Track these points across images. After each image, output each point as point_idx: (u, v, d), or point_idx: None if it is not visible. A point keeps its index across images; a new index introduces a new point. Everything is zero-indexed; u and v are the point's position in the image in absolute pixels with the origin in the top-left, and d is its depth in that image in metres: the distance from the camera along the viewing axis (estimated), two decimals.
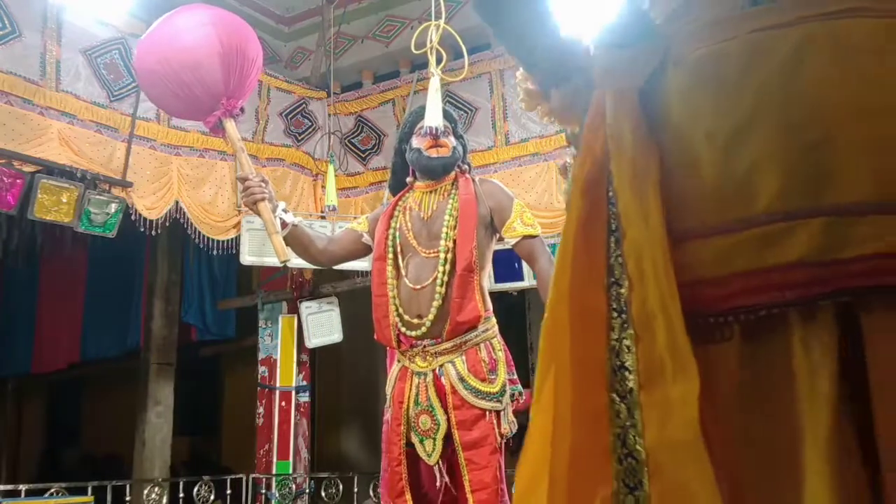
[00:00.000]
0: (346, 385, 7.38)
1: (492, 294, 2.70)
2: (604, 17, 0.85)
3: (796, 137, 0.72)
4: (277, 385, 6.05)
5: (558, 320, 0.83)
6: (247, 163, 2.52)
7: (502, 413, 2.45)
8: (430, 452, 2.46)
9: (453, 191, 2.64)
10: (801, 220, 0.72)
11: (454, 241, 2.53)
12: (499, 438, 2.43)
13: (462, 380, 2.44)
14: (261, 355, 6.19)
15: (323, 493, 5.70)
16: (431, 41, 2.50)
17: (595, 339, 0.80)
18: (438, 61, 3.04)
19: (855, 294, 0.72)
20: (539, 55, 0.98)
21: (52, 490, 4.84)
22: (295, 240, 2.65)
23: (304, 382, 6.17)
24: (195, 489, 5.54)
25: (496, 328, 2.60)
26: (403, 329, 2.54)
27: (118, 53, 5.01)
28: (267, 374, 6.13)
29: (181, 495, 5.49)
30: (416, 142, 2.68)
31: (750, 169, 0.74)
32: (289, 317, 6.14)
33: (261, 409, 6.07)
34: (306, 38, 6.52)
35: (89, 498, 4.93)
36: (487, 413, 2.43)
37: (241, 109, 2.58)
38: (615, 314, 0.79)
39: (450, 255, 2.53)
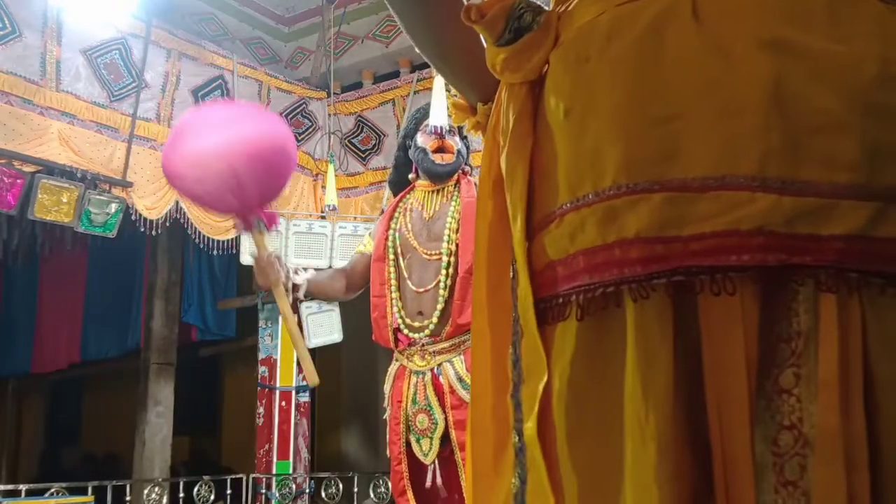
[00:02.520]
0: (346, 385, 7.39)
1: None
2: (479, 19, 0.81)
3: (646, 110, 0.70)
4: (277, 385, 6.06)
5: (479, 327, 0.84)
6: (262, 244, 2.44)
7: None
8: (426, 452, 2.47)
9: (456, 192, 2.64)
10: (643, 193, 0.68)
11: (456, 245, 2.53)
12: None
13: (460, 379, 2.44)
14: (261, 355, 6.19)
15: (323, 493, 5.71)
16: None
17: (506, 339, 0.81)
18: None
19: (691, 273, 0.68)
20: (461, 72, 0.98)
21: (53, 490, 4.84)
22: (313, 292, 2.66)
23: (304, 382, 6.17)
24: (195, 489, 5.54)
25: None
26: (404, 330, 2.54)
27: (118, 54, 5.01)
28: (267, 374, 6.13)
29: (181, 495, 5.49)
30: (421, 140, 2.67)
31: (599, 143, 0.71)
32: None
33: (261, 409, 6.07)
34: (306, 38, 6.53)
35: (89, 498, 4.93)
36: None
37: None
38: (514, 310, 0.79)
39: (452, 259, 2.52)
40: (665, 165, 0.69)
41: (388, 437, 2.60)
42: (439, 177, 2.63)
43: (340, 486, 5.69)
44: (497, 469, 0.80)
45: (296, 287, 2.52)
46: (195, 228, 5.31)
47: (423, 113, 2.73)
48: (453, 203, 2.60)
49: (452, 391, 2.43)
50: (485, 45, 0.82)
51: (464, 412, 2.42)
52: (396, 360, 2.62)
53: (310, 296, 2.62)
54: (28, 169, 4.54)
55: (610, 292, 0.71)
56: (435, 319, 2.48)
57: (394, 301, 2.57)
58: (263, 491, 5.84)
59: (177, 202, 5.20)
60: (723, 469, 0.68)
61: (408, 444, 2.53)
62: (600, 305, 0.72)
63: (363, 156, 6.14)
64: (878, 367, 0.65)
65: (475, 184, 2.67)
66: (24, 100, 4.55)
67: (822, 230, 0.65)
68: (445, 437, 2.44)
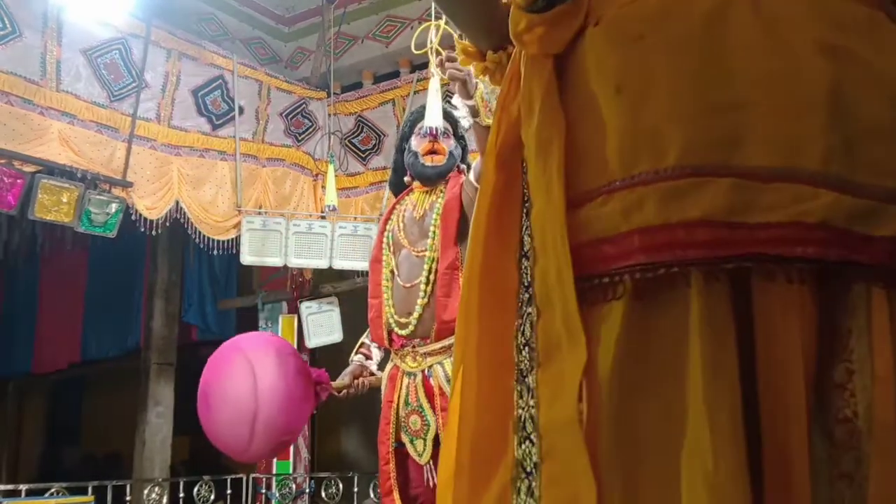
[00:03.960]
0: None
1: None
2: None
3: (709, 94, 0.70)
4: None
5: (469, 304, 0.81)
6: (342, 382, 2.74)
7: None
8: (420, 452, 2.47)
9: (444, 190, 2.65)
10: (709, 176, 0.68)
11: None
12: None
13: (450, 382, 2.44)
14: None
15: (323, 493, 5.71)
16: (431, 41, 2.50)
17: (505, 318, 0.77)
18: None
19: (756, 261, 0.68)
20: (476, 19, 0.97)
21: (53, 490, 4.84)
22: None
23: None
24: (195, 489, 5.54)
25: None
26: (395, 328, 2.55)
27: (118, 53, 5.01)
28: None
29: (181, 495, 5.49)
30: (414, 143, 2.69)
31: (658, 122, 0.71)
32: (289, 317, 6.15)
33: None
34: (306, 38, 6.53)
35: (90, 498, 4.93)
36: None
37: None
38: (522, 289, 0.76)
39: (436, 254, 2.53)
40: (730, 151, 0.68)
41: (378, 436, 2.62)
42: (429, 179, 2.66)
43: (340, 485, 5.69)
44: (486, 460, 0.76)
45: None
46: (195, 228, 5.31)
47: (418, 115, 2.74)
48: (439, 200, 2.62)
49: (442, 393, 2.43)
50: (511, 5, 0.80)
51: None
52: (391, 360, 2.64)
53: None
54: (28, 169, 4.54)
55: (674, 273, 0.69)
56: (416, 315, 2.49)
57: (386, 300, 2.58)
58: (263, 491, 5.84)
59: (177, 202, 5.20)
60: (778, 462, 0.67)
61: (399, 444, 2.53)
62: (660, 285, 0.70)
63: (363, 156, 6.14)
64: None
65: (464, 178, 2.67)
66: (25, 100, 4.55)
67: (875, 231, 0.67)
68: (437, 439, 2.44)
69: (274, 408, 2.37)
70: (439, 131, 2.64)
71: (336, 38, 6.10)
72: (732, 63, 0.70)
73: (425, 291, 2.50)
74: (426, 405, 2.46)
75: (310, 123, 6.17)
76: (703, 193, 0.68)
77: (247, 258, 5.51)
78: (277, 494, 5.78)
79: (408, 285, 2.56)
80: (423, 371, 2.50)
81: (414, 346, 2.52)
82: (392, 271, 2.63)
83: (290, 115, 6.05)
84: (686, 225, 0.68)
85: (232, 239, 5.49)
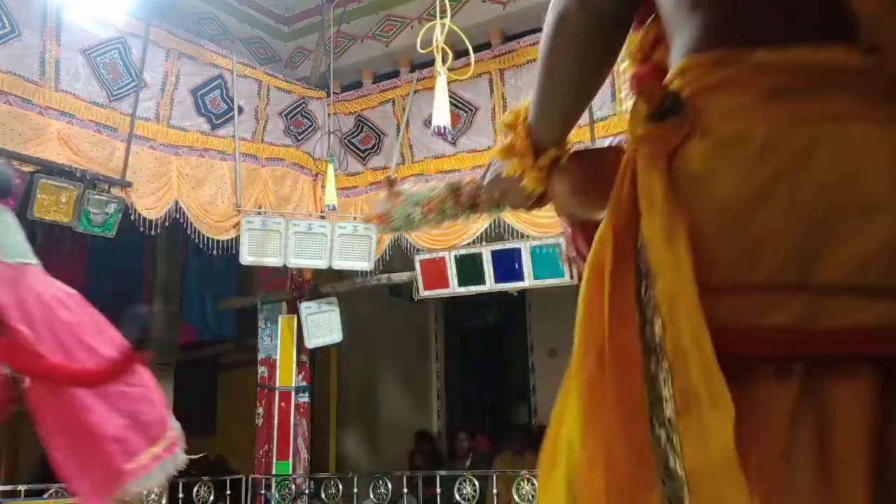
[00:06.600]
0: (345, 385, 7.37)
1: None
2: (637, 90, 0.94)
3: (798, 220, 0.82)
4: (277, 385, 6.05)
5: (591, 366, 0.89)
6: None
7: None
8: None
9: None
10: (791, 293, 0.82)
11: None
12: None
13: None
14: (260, 355, 6.18)
15: (322, 494, 5.70)
16: (437, 40, 2.49)
17: (631, 376, 0.85)
18: (444, 60, 3.03)
19: (827, 361, 0.81)
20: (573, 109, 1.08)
21: (52, 490, 4.83)
22: None
23: (304, 383, 6.16)
24: (195, 489, 5.53)
25: None
26: None
27: (117, 53, 5.00)
28: (267, 374, 6.12)
29: (181, 495, 5.48)
30: None
31: (756, 239, 0.83)
32: (288, 317, 6.14)
33: (260, 410, 6.07)
34: (306, 37, 6.52)
35: None
36: None
37: None
38: (648, 352, 0.85)
39: None
40: (811, 269, 0.83)
41: None
42: None
43: (340, 486, 5.68)
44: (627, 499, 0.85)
45: None
46: (194, 228, 5.30)
47: None
48: None
49: None
50: (631, 112, 0.92)
51: None
52: None
53: None
54: (27, 168, 4.53)
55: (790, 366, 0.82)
56: None
57: None
58: (263, 491, 5.84)
59: (176, 202, 5.20)
60: None
61: None
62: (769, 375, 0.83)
63: (363, 155, 6.13)
64: None
65: None
66: (24, 99, 4.54)
67: None
68: None
69: None
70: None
71: (336, 37, 6.09)
72: (817, 191, 0.82)
73: None
74: None
75: (309, 123, 6.16)
76: (785, 307, 0.83)
77: (246, 258, 5.50)
78: (277, 495, 5.77)
79: None
80: None
81: None
82: None
83: (290, 115, 6.04)
84: (772, 329, 0.82)
85: (231, 239, 5.48)
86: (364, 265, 5.75)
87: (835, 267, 0.81)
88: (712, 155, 0.86)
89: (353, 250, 5.70)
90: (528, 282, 5.18)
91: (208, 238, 5.37)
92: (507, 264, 5.16)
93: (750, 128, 0.84)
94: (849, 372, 0.80)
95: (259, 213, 5.65)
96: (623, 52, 1.02)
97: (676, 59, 0.91)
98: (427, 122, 5.22)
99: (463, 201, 1.30)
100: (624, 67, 1.08)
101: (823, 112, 0.83)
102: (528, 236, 5.13)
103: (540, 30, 1.01)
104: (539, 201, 1.15)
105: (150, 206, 5.08)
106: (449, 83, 4.21)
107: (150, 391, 3.22)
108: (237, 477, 5.84)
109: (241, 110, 5.68)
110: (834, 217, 0.81)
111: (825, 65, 0.83)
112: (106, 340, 3.22)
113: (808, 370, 0.81)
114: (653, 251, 0.87)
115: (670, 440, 0.82)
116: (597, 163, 1.09)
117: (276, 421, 5.96)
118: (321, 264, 5.73)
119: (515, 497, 5.08)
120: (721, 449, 0.79)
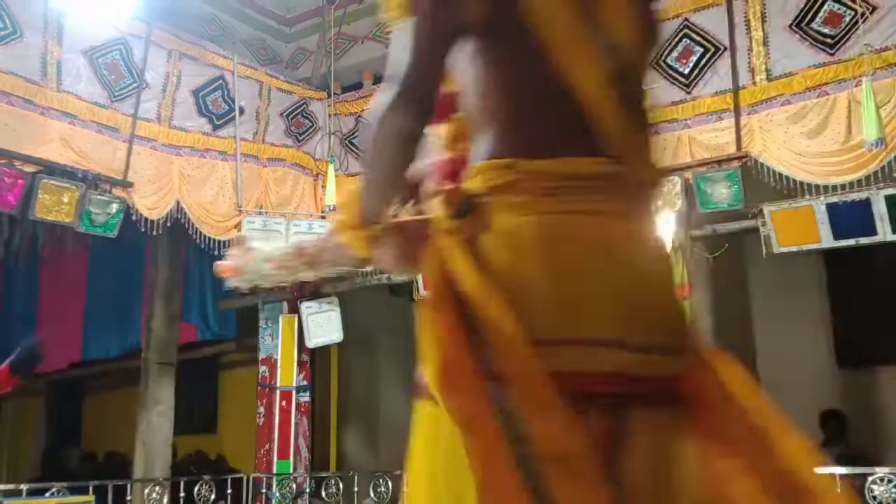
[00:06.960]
0: (346, 384, 7.39)
1: None
2: (445, 197, 1.19)
3: (563, 290, 1.05)
4: (278, 385, 6.07)
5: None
6: None
7: None
8: None
9: None
10: (568, 344, 1.04)
11: None
12: None
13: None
14: (261, 355, 6.20)
15: (323, 493, 5.71)
16: None
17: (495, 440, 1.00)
18: None
19: (610, 398, 1.05)
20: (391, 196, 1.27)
21: (54, 489, 4.85)
22: None
23: (305, 382, 6.18)
24: (196, 489, 5.55)
25: None
26: None
27: (119, 54, 5.02)
28: (267, 373, 6.14)
29: (182, 495, 5.50)
30: None
31: (541, 305, 1.06)
32: (289, 317, 6.16)
33: (261, 409, 6.08)
34: (307, 38, 6.54)
35: (90, 497, 4.94)
36: None
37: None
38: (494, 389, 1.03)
39: None
40: (578, 326, 1.06)
41: None
42: None
43: (340, 485, 5.70)
44: None
45: None
46: (196, 228, 5.32)
47: None
48: None
49: None
50: (438, 211, 1.17)
51: None
52: None
53: None
54: (29, 169, 4.55)
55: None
56: None
57: None
58: (264, 490, 5.85)
59: (177, 202, 5.21)
60: None
61: None
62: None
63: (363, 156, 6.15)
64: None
65: None
66: (26, 100, 4.56)
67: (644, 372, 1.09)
68: None
69: None
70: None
71: (336, 38, 6.11)
72: (572, 273, 1.06)
73: None
74: None
75: (310, 124, 6.18)
76: (567, 353, 1.05)
77: None
78: (278, 494, 5.79)
79: None
80: None
81: None
82: None
83: (291, 116, 6.06)
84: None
85: (233, 239, 5.49)
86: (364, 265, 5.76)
87: (595, 325, 1.05)
88: (496, 244, 1.09)
89: None
90: None
91: (209, 238, 5.39)
92: None
93: (526, 221, 1.08)
94: (602, 406, 1.03)
95: (260, 213, 5.67)
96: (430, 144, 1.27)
97: (477, 157, 1.15)
98: None
99: (307, 261, 1.53)
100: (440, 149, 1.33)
101: (584, 208, 1.08)
102: None
103: None
104: (367, 262, 1.42)
105: (152, 206, 5.10)
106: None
107: None
108: (238, 476, 5.86)
109: (242, 111, 5.70)
110: (585, 287, 1.05)
111: (583, 173, 1.08)
112: None
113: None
114: (486, 310, 1.04)
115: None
116: (409, 234, 1.30)
117: (276, 420, 5.98)
118: None
119: None
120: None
